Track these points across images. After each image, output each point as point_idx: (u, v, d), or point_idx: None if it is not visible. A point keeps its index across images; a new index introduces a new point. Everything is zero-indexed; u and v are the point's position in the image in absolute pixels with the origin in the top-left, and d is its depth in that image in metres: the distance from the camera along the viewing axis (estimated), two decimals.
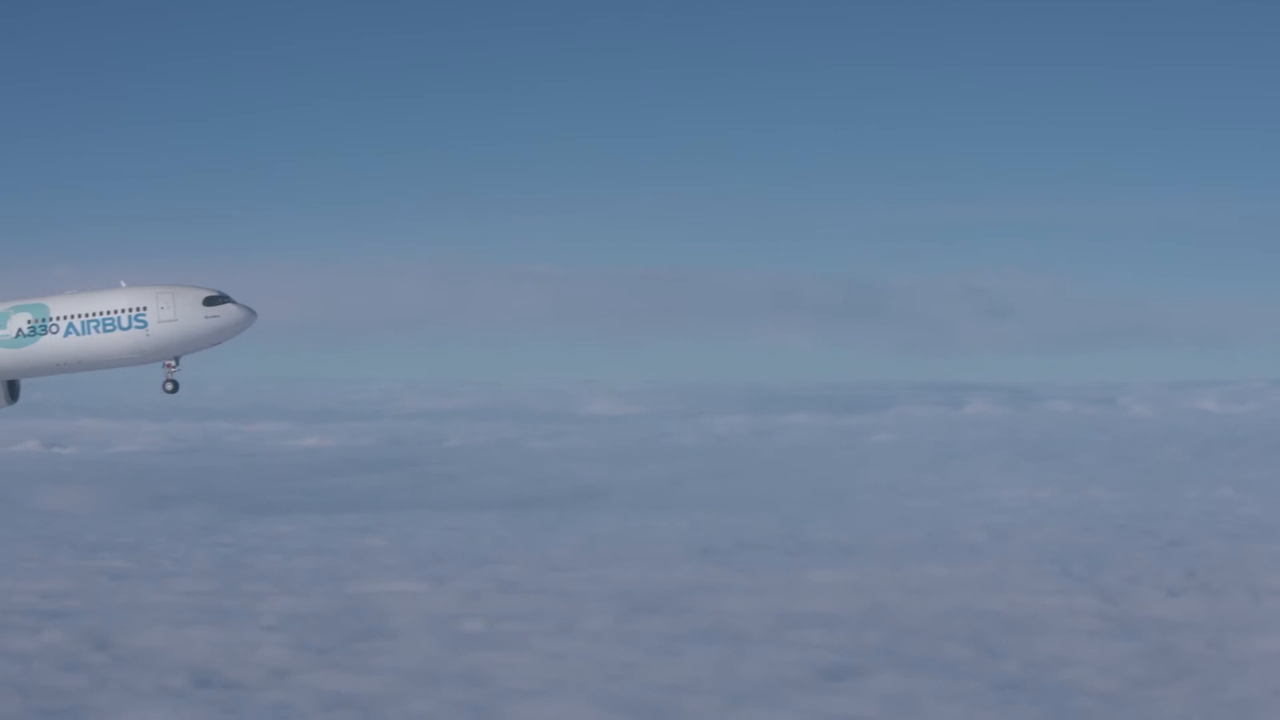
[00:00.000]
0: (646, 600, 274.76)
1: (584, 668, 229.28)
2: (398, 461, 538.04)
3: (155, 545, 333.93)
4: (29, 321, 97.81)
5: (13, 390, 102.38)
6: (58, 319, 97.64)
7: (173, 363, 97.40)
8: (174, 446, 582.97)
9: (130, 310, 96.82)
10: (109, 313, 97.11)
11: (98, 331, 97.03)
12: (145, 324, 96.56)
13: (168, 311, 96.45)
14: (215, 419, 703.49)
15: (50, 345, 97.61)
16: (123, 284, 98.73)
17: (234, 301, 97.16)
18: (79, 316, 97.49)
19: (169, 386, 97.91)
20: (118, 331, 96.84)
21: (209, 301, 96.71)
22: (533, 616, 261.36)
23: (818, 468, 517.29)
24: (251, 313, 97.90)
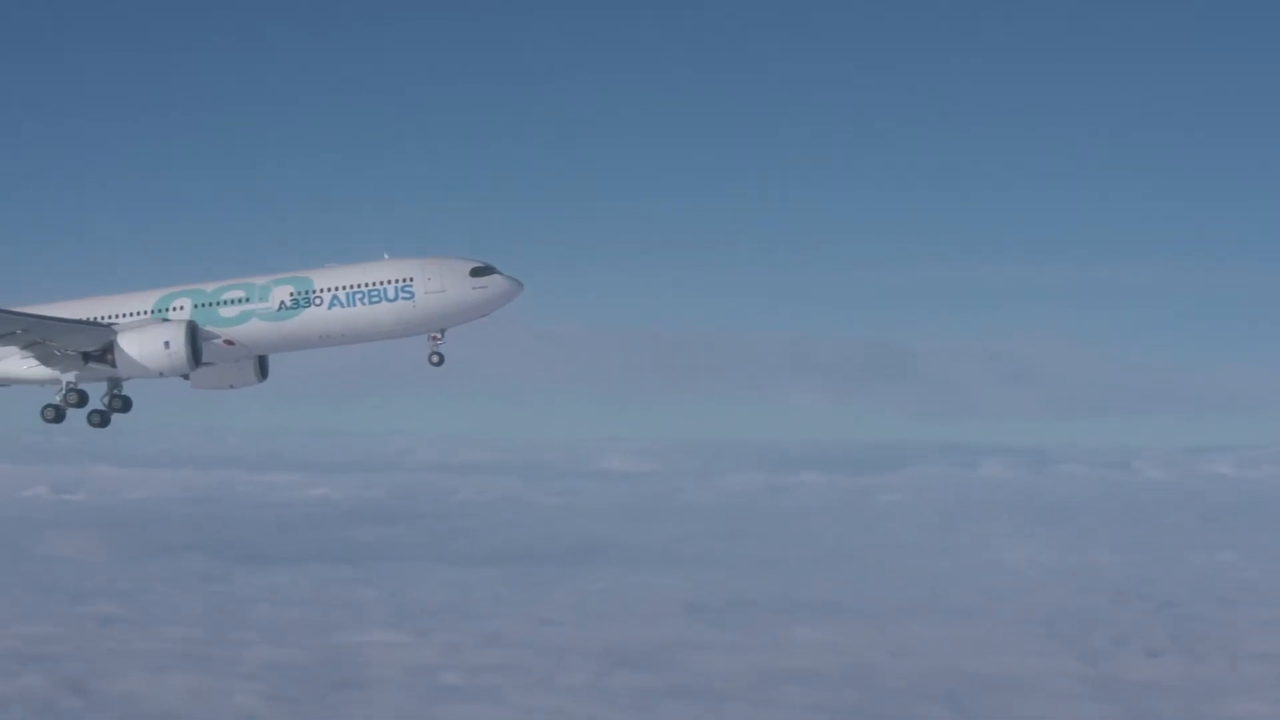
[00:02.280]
0: (629, 656, 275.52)
1: None
2: (406, 514, 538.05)
3: (149, 592, 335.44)
4: (291, 294, 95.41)
5: (263, 367, 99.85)
6: (321, 291, 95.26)
7: (438, 335, 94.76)
8: (184, 495, 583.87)
9: (396, 281, 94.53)
10: (375, 284, 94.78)
11: (363, 304, 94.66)
12: (412, 295, 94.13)
13: (435, 283, 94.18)
14: (229, 468, 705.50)
15: (314, 318, 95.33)
16: (385, 256, 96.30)
17: (500, 272, 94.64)
18: (343, 288, 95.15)
19: (435, 359, 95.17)
20: (384, 303, 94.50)
21: (475, 272, 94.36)
22: (512, 670, 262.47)
23: (825, 527, 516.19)
24: (518, 284, 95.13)
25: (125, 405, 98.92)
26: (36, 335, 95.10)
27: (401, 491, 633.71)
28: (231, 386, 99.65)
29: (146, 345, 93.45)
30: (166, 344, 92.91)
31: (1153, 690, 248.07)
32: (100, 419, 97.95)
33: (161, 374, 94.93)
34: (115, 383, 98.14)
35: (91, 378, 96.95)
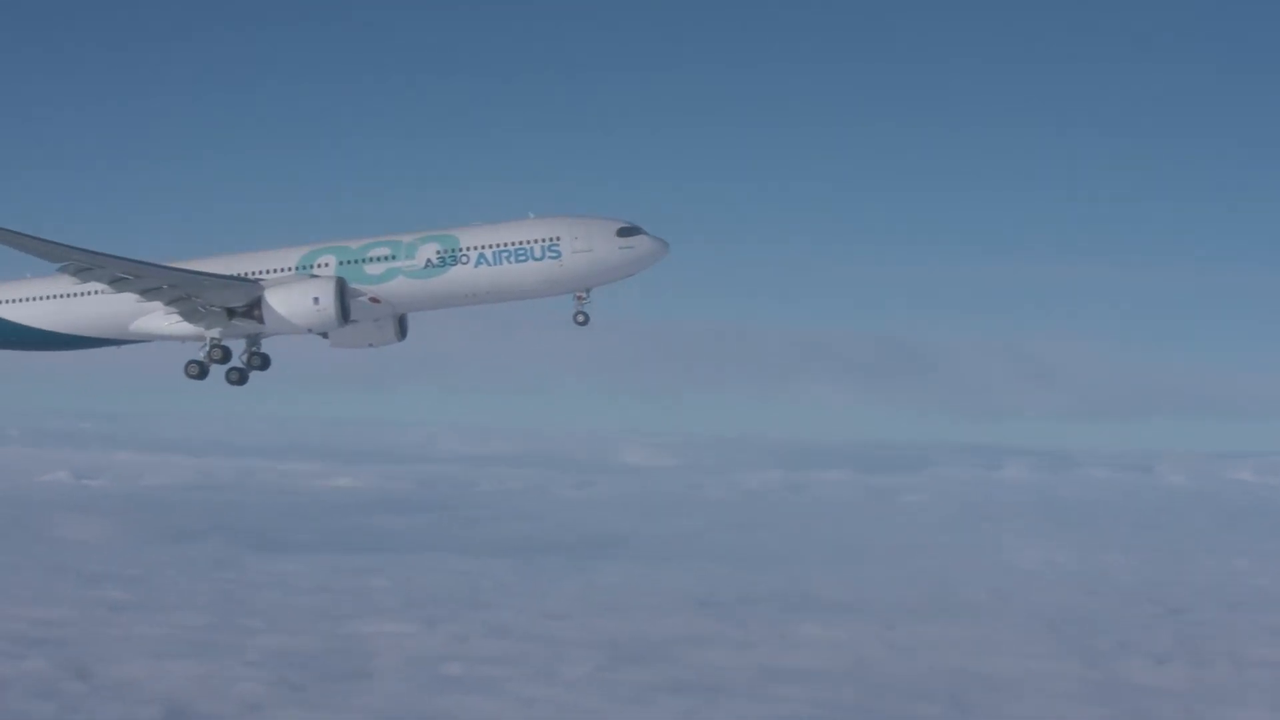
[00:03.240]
0: (633, 650, 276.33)
1: (552, 714, 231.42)
2: (425, 504, 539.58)
3: (161, 578, 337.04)
4: (438, 252, 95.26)
5: (402, 326, 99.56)
6: (468, 249, 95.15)
7: (584, 294, 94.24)
8: (204, 482, 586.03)
9: (543, 240, 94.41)
10: (521, 243, 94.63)
11: (510, 262, 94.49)
12: (559, 254, 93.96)
13: (581, 242, 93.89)
14: (252, 456, 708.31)
15: (460, 276, 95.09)
16: (531, 215, 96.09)
17: (647, 232, 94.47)
18: (490, 247, 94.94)
19: (580, 319, 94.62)
20: (530, 262, 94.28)
21: (622, 232, 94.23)
22: (515, 662, 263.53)
23: (842, 525, 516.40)
24: (664, 244, 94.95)
25: (264, 363, 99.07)
26: (183, 290, 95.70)
27: (422, 482, 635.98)
28: (370, 345, 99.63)
29: (295, 301, 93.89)
30: (316, 300, 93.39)
31: (1154, 695, 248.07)
32: (239, 376, 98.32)
33: (309, 330, 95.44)
34: (254, 340, 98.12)
35: (235, 334, 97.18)
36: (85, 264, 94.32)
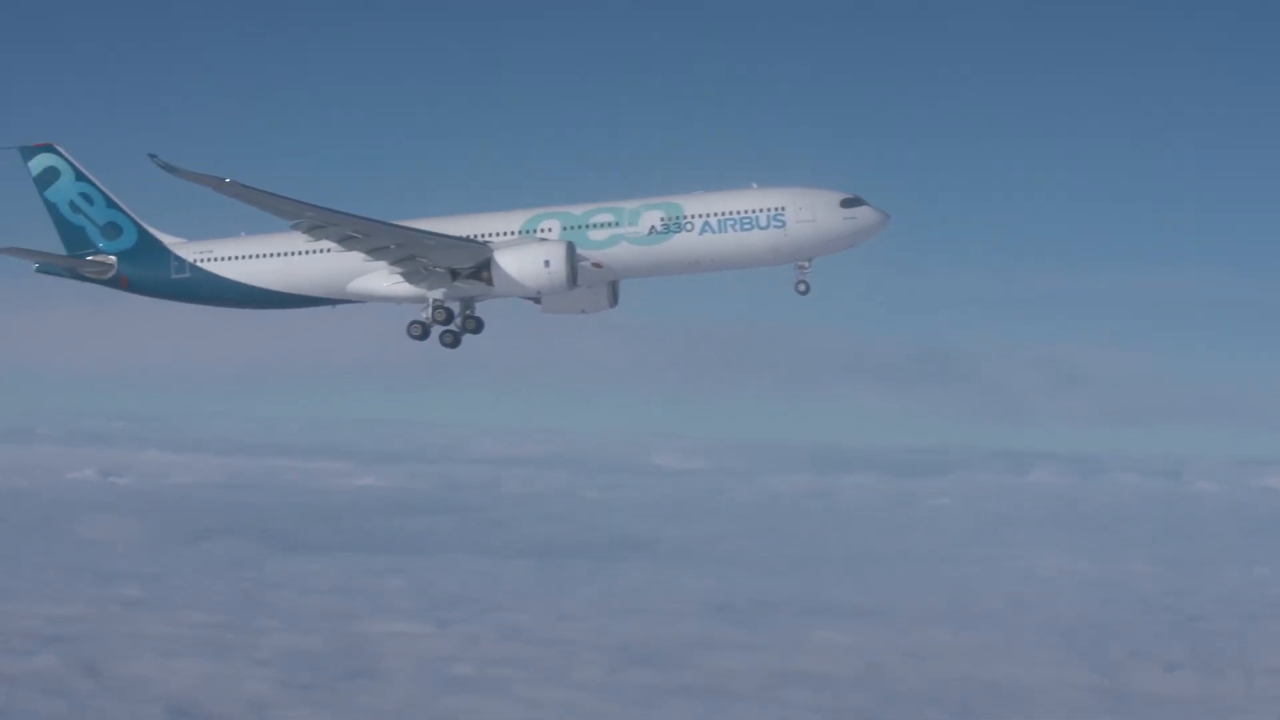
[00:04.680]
0: (644, 653, 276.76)
1: (558, 716, 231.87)
2: (449, 505, 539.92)
3: (177, 577, 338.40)
4: (662, 219, 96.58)
5: (614, 293, 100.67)
6: (693, 217, 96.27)
7: (805, 264, 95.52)
8: (231, 481, 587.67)
9: (768, 210, 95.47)
10: (746, 211, 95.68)
11: (734, 230, 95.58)
12: (784, 224, 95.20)
13: (806, 212, 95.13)
14: (280, 456, 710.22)
15: (684, 243, 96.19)
16: (754, 185, 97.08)
17: (869, 204, 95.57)
18: (715, 215, 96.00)
19: (801, 288, 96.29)
20: (755, 230, 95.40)
21: (846, 203, 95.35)
22: (525, 664, 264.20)
23: (865, 530, 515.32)
24: (886, 216, 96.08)
25: (477, 326, 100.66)
26: (411, 251, 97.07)
27: (449, 483, 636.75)
28: (583, 311, 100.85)
29: (526, 263, 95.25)
30: (546, 263, 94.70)
31: (1164, 704, 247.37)
32: (453, 339, 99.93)
33: (538, 292, 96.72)
34: (469, 303, 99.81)
35: (456, 295, 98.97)
36: (319, 221, 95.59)
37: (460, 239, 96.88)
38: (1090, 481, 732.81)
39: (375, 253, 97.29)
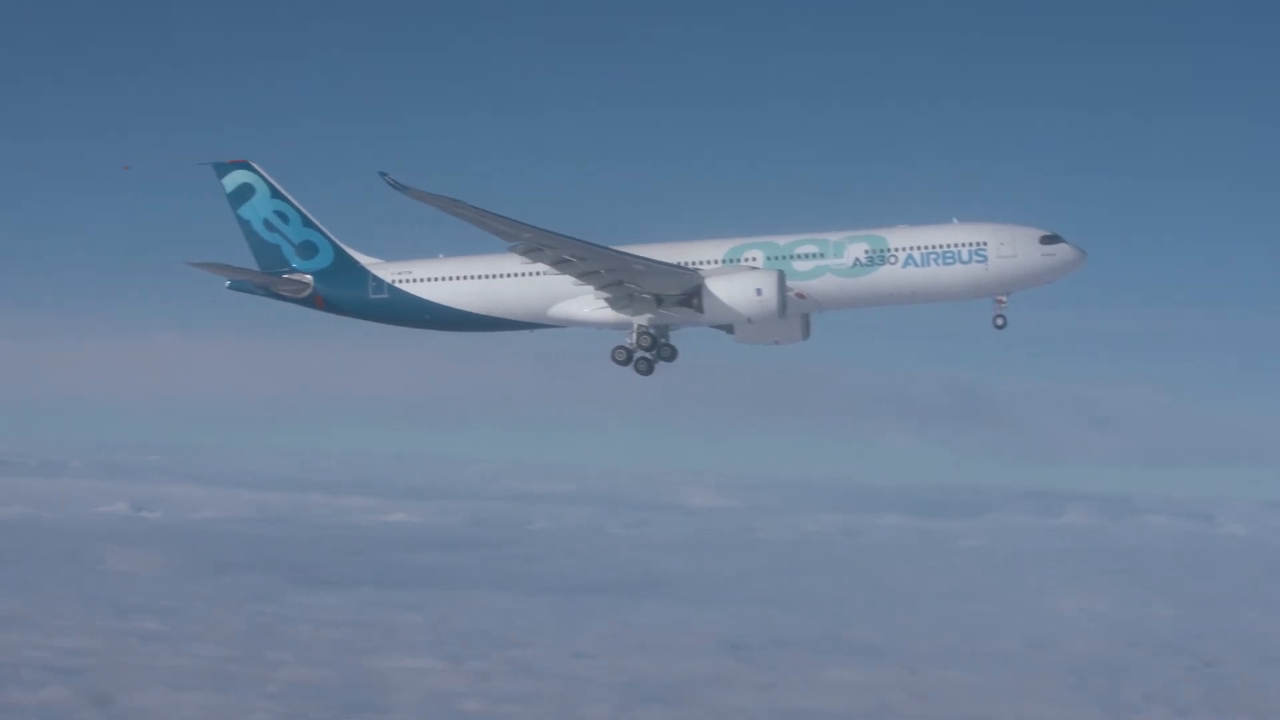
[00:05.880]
0: (654, 691, 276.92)
1: None
2: (475, 541, 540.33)
3: (196, 610, 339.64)
4: (866, 251, 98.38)
5: (806, 325, 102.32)
6: (896, 250, 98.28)
7: (1004, 299, 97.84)
8: (259, 516, 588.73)
9: (970, 245, 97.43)
10: (949, 246, 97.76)
11: (937, 264, 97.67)
12: (985, 259, 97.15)
13: (1007, 248, 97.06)
14: (311, 491, 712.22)
15: (887, 276, 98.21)
16: (954, 220, 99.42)
17: (1068, 241, 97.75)
18: (918, 249, 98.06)
19: (999, 322, 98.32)
20: (957, 265, 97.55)
21: (1045, 240, 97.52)
22: (534, 700, 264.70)
23: (892, 570, 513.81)
24: (1083, 254, 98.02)
25: (672, 354, 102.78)
26: (622, 276, 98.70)
27: (477, 519, 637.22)
28: (776, 342, 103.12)
29: (737, 291, 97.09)
30: (759, 291, 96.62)
31: None
32: (647, 366, 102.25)
33: (749, 320, 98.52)
34: (663, 331, 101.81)
35: (658, 322, 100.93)
36: (539, 244, 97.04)
37: (673, 266, 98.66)
38: (1121, 523, 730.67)
39: (585, 277, 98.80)
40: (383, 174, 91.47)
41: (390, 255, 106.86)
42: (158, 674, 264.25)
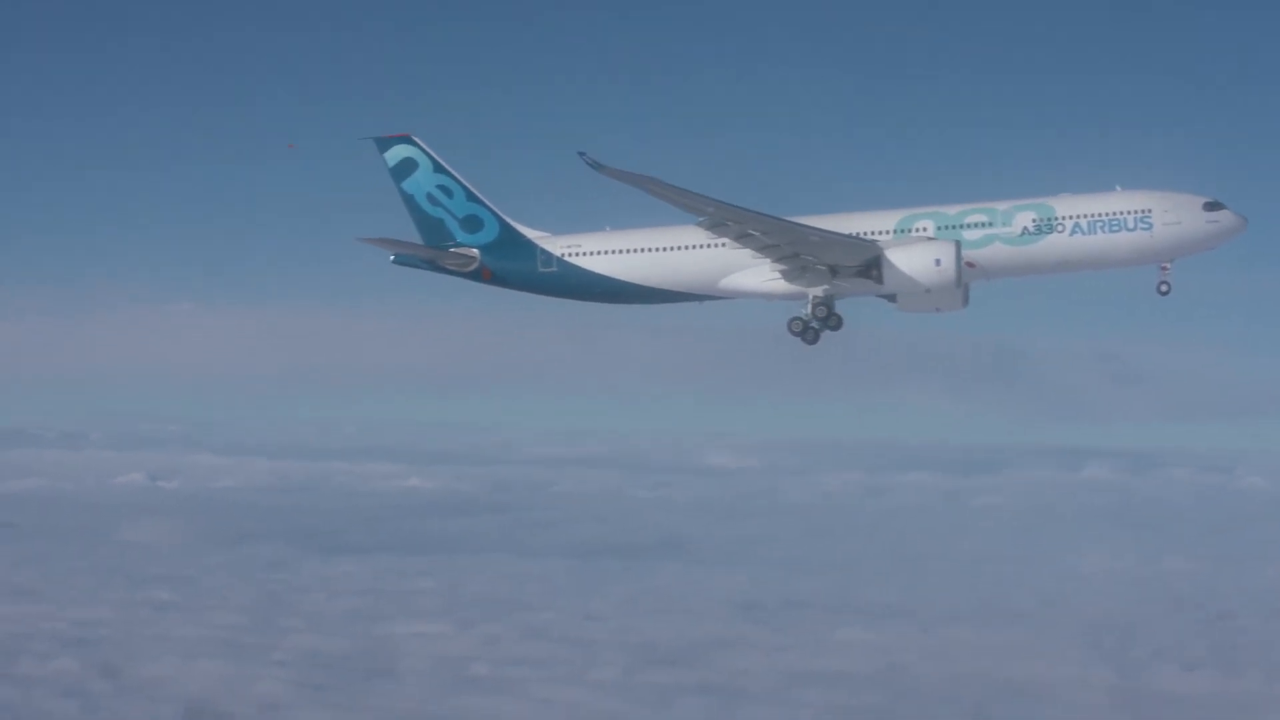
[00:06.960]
0: (666, 653, 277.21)
1: (568, 715, 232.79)
2: (495, 506, 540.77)
3: (211, 580, 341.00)
4: (1034, 220, 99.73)
5: (967, 292, 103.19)
6: (1064, 218, 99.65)
7: (1168, 265, 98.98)
8: (278, 484, 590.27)
9: (1135, 212, 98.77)
10: (1114, 214, 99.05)
11: (1103, 232, 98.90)
12: (1150, 226, 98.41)
13: (1172, 215, 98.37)
14: (332, 459, 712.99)
15: (1055, 244, 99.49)
16: (1118, 187, 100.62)
17: (1230, 208, 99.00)
18: (1085, 217, 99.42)
19: (1164, 288, 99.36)
20: (1123, 232, 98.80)
21: (1208, 206, 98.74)
22: (544, 663, 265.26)
23: (911, 529, 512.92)
24: (1245, 221, 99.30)
25: (838, 324, 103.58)
26: (799, 248, 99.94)
27: (498, 484, 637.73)
28: (938, 310, 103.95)
29: (917, 261, 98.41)
30: (938, 261, 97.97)
31: (1179, 704, 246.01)
32: (814, 336, 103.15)
33: (928, 290, 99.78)
34: (829, 300, 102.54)
35: (831, 293, 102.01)
36: (725, 219, 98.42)
37: (851, 237, 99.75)
38: (1143, 478, 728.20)
39: (765, 250, 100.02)
40: (581, 154, 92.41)
41: (544, 227, 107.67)
42: (169, 644, 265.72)
